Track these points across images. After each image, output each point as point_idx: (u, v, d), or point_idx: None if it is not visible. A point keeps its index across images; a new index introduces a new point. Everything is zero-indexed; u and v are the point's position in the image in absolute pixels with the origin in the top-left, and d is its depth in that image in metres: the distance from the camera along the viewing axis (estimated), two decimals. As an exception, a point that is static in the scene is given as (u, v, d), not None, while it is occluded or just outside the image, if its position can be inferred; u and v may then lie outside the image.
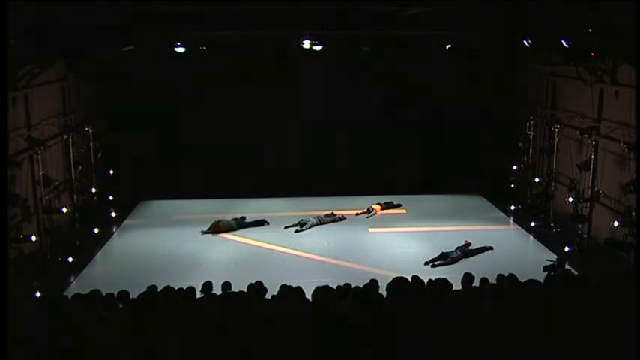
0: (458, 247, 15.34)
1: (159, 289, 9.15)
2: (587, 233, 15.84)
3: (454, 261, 14.77)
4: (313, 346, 6.94)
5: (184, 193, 20.60)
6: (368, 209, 19.25)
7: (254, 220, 18.13)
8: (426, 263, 14.70)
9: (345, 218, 18.50)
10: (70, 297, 9.06)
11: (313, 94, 20.65)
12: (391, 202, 19.99)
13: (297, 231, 17.46)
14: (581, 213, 16.18)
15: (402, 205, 20.07)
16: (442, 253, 15.02)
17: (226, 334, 7.21)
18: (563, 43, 13.38)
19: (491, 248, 15.66)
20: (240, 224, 17.78)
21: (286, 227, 17.67)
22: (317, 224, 17.84)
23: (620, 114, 14.47)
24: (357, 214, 19.03)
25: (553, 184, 17.98)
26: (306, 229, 17.54)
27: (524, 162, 19.80)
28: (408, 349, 7.01)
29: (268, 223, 18.07)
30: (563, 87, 17.89)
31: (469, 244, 15.64)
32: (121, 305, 8.83)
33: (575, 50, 13.61)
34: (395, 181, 21.08)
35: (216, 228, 17.40)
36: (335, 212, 18.63)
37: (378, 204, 19.63)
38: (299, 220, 17.82)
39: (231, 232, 17.43)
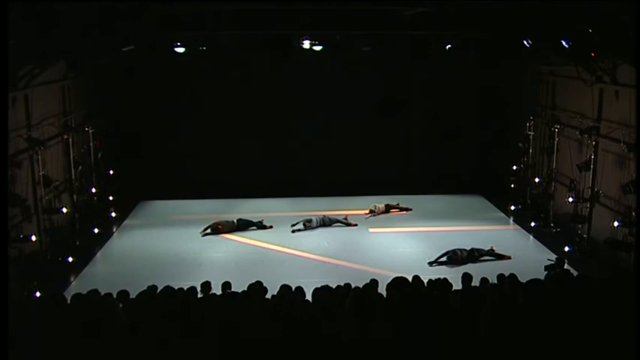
0: (471, 249, 15.04)
1: (159, 289, 9.16)
2: (587, 233, 15.83)
3: (462, 262, 14.55)
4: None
5: (184, 193, 20.60)
6: (371, 210, 19.15)
7: (258, 221, 17.91)
8: (430, 264, 14.65)
9: (356, 225, 18.15)
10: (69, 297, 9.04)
11: (313, 94, 20.65)
12: (398, 204, 19.87)
13: (293, 231, 17.40)
14: (581, 213, 16.17)
15: (411, 209, 19.82)
16: (448, 254, 14.78)
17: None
18: (563, 43, 13.38)
19: (508, 258, 15.20)
20: (241, 225, 17.69)
21: (293, 228, 17.47)
22: (321, 224, 17.75)
23: (620, 114, 14.47)
24: (367, 217, 18.84)
25: (553, 184, 17.98)
26: (308, 227, 17.45)
27: (524, 162, 19.80)
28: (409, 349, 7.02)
29: (272, 227, 17.85)
30: (563, 87, 17.89)
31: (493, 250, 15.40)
32: (121, 305, 8.84)
33: (575, 50, 13.61)
34: (395, 181, 21.08)
35: (216, 229, 17.36)
36: (347, 217, 18.34)
37: (386, 205, 19.42)
38: (302, 219, 17.67)
39: (231, 233, 17.39)
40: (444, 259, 14.75)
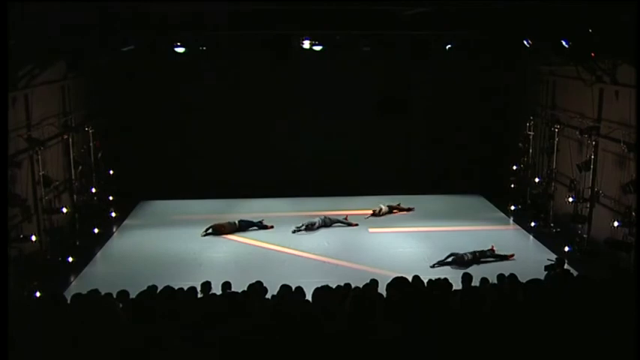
0: (474, 252, 14.96)
1: (159, 289, 9.16)
2: (587, 233, 15.83)
3: (466, 265, 14.41)
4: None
5: (184, 193, 20.60)
6: (374, 211, 19.03)
7: (258, 221, 17.92)
8: (433, 266, 14.55)
9: (357, 225, 18.16)
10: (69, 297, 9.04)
11: (313, 94, 20.65)
12: (399, 204, 19.77)
13: (294, 231, 17.37)
14: (581, 213, 16.17)
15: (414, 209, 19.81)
16: (452, 257, 14.66)
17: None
18: (563, 43, 13.38)
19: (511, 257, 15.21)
20: (242, 226, 17.65)
21: (294, 229, 17.47)
22: (322, 225, 17.72)
23: (620, 114, 14.47)
24: (366, 218, 18.80)
25: (553, 184, 17.98)
26: (308, 228, 17.44)
27: (524, 162, 19.80)
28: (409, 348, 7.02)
29: (273, 227, 17.89)
30: (563, 87, 17.89)
31: (493, 249, 15.35)
32: (120, 305, 8.84)
33: (575, 50, 13.61)
34: (395, 181, 21.08)
35: (218, 230, 17.31)
36: (347, 217, 18.34)
37: (389, 205, 19.38)
38: (304, 221, 17.62)
39: (232, 233, 17.34)
40: (449, 259, 14.64)
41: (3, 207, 10.43)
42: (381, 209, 19.11)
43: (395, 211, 19.46)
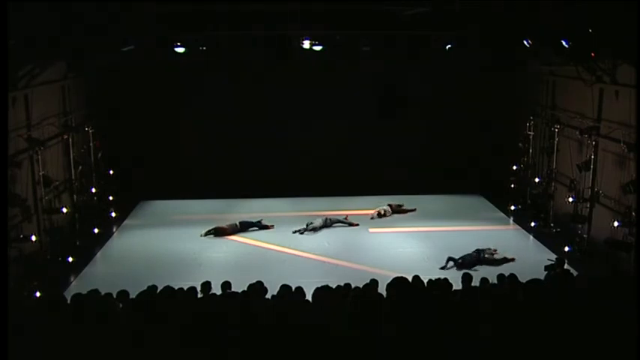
0: (476, 250, 14.94)
1: (159, 289, 9.16)
2: (587, 233, 15.83)
3: (472, 266, 14.32)
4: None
5: (184, 193, 20.60)
6: (379, 212, 18.98)
7: (258, 221, 17.92)
8: (443, 268, 14.41)
9: (358, 224, 18.15)
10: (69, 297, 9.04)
11: (314, 94, 20.65)
12: (401, 205, 19.68)
13: (295, 232, 17.37)
14: (581, 213, 16.17)
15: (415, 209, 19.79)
16: (460, 260, 14.51)
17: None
18: (563, 43, 13.38)
19: (512, 260, 15.09)
20: (243, 226, 17.65)
21: (295, 229, 17.50)
22: (323, 225, 17.70)
23: (620, 114, 14.47)
24: (371, 218, 18.80)
25: (553, 184, 17.99)
26: (310, 229, 17.42)
27: (524, 162, 19.81)
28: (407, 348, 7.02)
29: (273, 226, 17.91)
30: (563, 87, 17.89)
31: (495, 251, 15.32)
32: (120, 305, 8.84)
33: (575, 50, 13.61)
34: (396, 181, 21.08)
35: (219, 232, 17.29)
36: (348, 217, 18.34)
37: (389, 205, 19.35)
38: (305, 223, 17.59)
39: (234, 234, 17.33)
40: (460, 259, 14.57)
41: (3, 207, 10.42)
42: (385, 212, 19.07)
43: (396, 212, 19.43)
